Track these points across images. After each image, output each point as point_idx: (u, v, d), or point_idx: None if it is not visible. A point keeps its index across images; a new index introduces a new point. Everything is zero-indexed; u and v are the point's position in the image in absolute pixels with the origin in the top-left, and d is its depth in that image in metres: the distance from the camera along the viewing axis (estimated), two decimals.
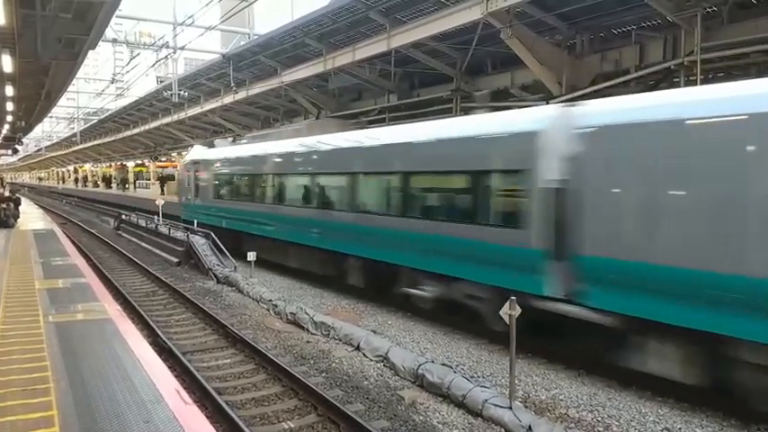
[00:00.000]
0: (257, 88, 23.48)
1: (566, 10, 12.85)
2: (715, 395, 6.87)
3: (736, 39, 10.67)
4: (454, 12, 13.18)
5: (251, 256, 14.72)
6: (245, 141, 20.07)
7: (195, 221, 19.80)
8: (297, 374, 7.91)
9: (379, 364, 8.69)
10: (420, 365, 7.94)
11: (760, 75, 10.49)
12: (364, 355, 9.08)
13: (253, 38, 23.33)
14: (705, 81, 11.07)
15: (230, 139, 24.24)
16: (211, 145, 22.15)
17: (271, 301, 12.35)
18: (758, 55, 10.49)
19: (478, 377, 8.00)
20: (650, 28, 12.99)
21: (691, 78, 11.09)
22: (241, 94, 24.58)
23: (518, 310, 6.75)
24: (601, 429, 6.50)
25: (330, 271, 13.78)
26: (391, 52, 16.12)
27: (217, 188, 19.79)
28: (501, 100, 16.29)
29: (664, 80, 11.91)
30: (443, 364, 8.07)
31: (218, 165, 19.94)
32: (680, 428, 6.47)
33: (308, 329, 10.52)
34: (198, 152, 22.24)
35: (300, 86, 21.97)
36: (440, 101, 17.57)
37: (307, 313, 10.91)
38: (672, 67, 11.66)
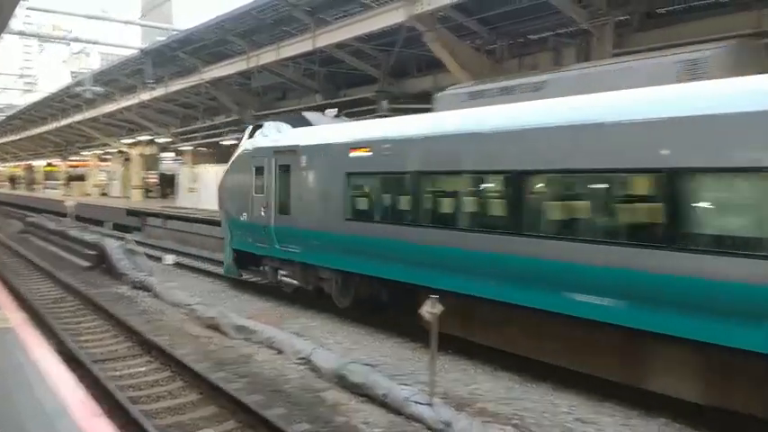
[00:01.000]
0: (176, 85, 22.74)
1: (487, 15, 13.22)
2: (625, 390, 7.23)
3: (645, 46, 11.32)
4: (379, 13, 13.28)
5: (169, 259, 14.21)
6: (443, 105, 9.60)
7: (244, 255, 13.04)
8: (214, 381, 7.67)
9: (301, 367, 8.58)
10: (342, 366, 7.91)
11: None
12: (287, 358, 8.94)
13: (172, 33, 22.58)
14: None
15: (333, 112, 13.02)
16: (301, 121, 12.30)
17: (189, 305, 11.93)
18: None
19: (401, 375, 8.06)
20: (566, 35, 13.57)
21: None
22: (159, 91, 23.74)
23: (440, 309, 6.80)
24: (516, 422, 6.69)
25: None
26: (316, 52, 16.04)
27: (354, 201, 10.38)
28: (424, 102, 16.55)
29: None
30: (365, 364, 8.06)
31: (366, 155, 9.98)
32: (590, 417, 6.77)
33: (228, 334, 10.25)
34: (284, 133, 12.28)
35: (222, 84, 21.50)
36: (366, 101, 17.61)
37: (227, 317, 10.63)
38: None
